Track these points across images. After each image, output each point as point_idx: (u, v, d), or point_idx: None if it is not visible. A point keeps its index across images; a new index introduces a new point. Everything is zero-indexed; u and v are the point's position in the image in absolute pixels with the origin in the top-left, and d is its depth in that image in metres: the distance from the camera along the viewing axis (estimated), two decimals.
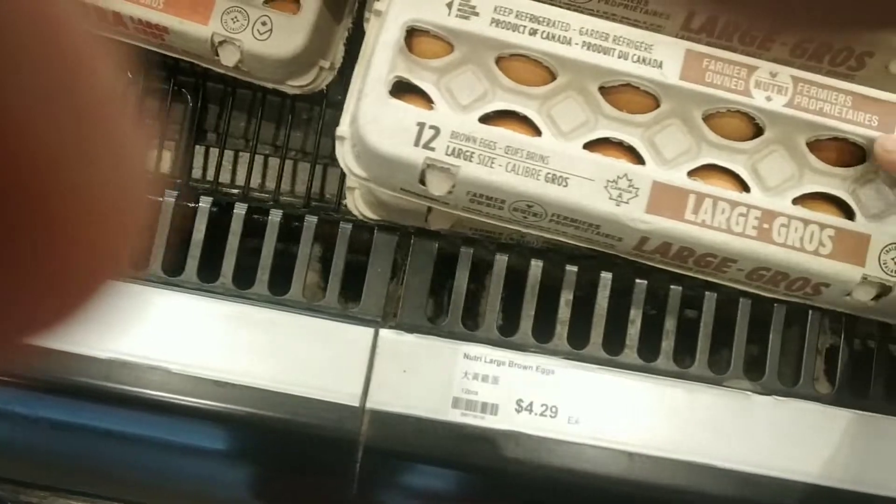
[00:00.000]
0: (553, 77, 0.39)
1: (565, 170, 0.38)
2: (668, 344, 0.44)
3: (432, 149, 0.37)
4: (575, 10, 0.41)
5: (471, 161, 0.37)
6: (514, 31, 0.38)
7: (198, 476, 0.42)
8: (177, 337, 0.40)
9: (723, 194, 0.38)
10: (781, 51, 0.42)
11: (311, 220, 0.44)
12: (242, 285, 0.43)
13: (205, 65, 0.45)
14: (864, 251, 0.38)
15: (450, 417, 0.41)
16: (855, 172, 0.40)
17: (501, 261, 0.44)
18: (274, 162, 0.48)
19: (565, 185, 0.38)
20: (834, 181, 0.40)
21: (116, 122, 0.14)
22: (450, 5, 0.38)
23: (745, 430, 0.42)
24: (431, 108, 0.39)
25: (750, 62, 0.39)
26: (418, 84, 0.39)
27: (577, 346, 0.43)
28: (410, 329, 0.42)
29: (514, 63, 0.39)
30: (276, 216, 0.43)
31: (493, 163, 0.37)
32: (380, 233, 0.44)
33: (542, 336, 0.43)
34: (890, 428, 0.42)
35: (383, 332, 0.42)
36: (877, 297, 0.38)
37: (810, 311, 0.42)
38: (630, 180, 0.38)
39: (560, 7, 0.41)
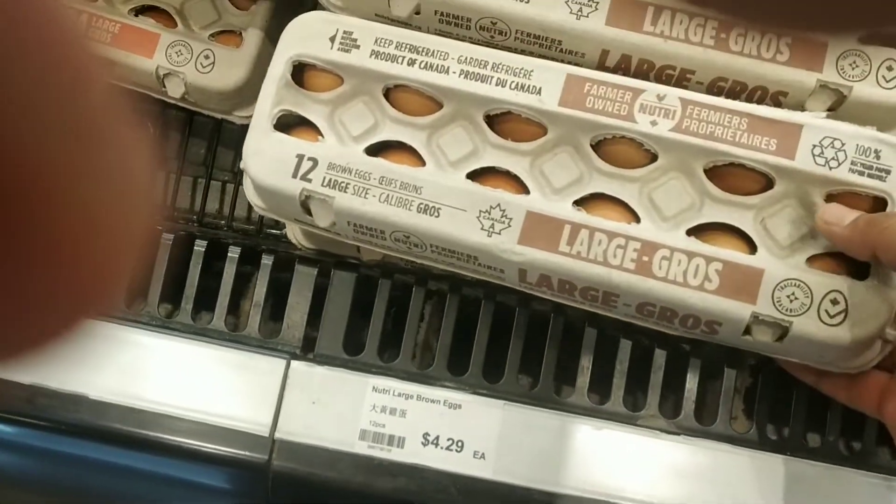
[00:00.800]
0: (439, 107, 0.39)
1: (438, 200, 0.37)
2: (583, 380, 0.42)
3: (309, 180, 0.38)
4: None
5: (346, 192, 0.38)
6: (393, 62, 0.38)
7: (112, 498, 0.44)
8: (96, 365, 0.43)
9: (601, 225, 0.36)
10: (697, 89, 0.40)
11: (234, 251, 0.45)
12: (170, 314, 0.45)
13: (156, 96, 0.47)
14: (755, 287, 0.34)
15: (356, 449, 0.41)
16: (761, 201, 0.36)
17: (419, 293, 0.44)
18: (231, 188, 0.50)
19: (437, 216, 0.37)
20: (737, 211, 0.36)
21: (117, 141, 0.14)
22: (333, 39, 0.39)
23: (648, 470, 0.40)
24: (318, 140, 0.39)
25: (636, 85, 0.37)
26: (308, 117, 0.40)
27: (491, 380, 0.42)
28: (325, 360, 0.43)
29: (400, 94, 0.39)
30: (200, 246, 0.45)
31: (367, 193, 0.38)
32: (300, 264, 0.45)
33: (458, 369, 0.43)
34: (797, 469, 0.39)
35: (294, 364, 0.43)
36: (780, 338, 0.35)
37: (727, 349, 0.39)
38: (503, 210, 0.37)
39: (476, 44, 0.41)
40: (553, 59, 0.41)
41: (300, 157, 0.38)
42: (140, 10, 0.46)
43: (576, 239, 0.36)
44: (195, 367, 0.43)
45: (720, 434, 0.40)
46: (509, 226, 0.36)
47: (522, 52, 0.41)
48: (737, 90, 0.39)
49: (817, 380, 0.38)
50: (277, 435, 0.41)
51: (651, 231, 0.36)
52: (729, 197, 0.36)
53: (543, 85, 0.37)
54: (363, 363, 0.43)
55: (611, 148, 0.38)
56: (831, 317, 0.34)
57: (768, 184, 0.36)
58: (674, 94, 0.36)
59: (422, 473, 0.41)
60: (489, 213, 0.37)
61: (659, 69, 0.39)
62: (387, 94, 0.39)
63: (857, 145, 0.35)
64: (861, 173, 0.35)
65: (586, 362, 0.42)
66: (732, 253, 0.35)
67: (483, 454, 0.40)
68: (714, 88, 0.39)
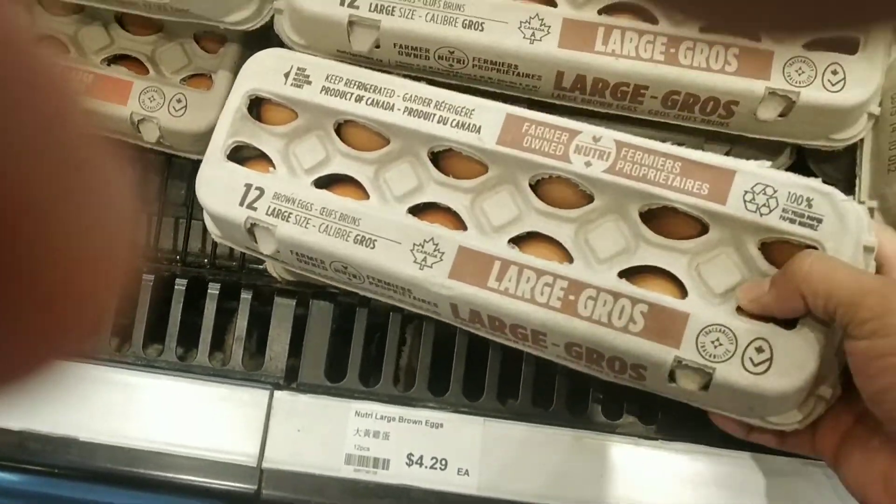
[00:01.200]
0: (387, 142, 0.40)
1: (375, 232, 0.38)
2: (561, 393, 0.43)
3: (255, 208, 0.39)
4: (451, 76, 0.42)
5: (288, 221, 0.38)
6: (341, 98, 0.40)
7: None
8: (85, 407, 0.43)
9: (530, 262, 0.36)
10: (653, 103, 0.40)
11: (214, 288, 0.46)
12: (156, 353, 0.46)
13: (132, 141, 0.49)
14: (680, 331, 0.34)
15: (343, 474, 0.42)
16: (696, 246, 0.36)
17: (395, 320, 0.44)
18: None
19: (373, 247, 0.37)
20: (671, 255, 0.36)
21: (98, 181, 0.14)
22: (287, 75, 0.40)
23: (630, 477, 0.40)
24: (270, 171, 0.40)
25: (573, 126, 0.37)
26: (263, 149, 0.41)
27: (471, 398, 0.43)
28: (308, 389, 0.43)
29: (350, 129, 0.40)
30: (180, 285, 0.46)
31: (307, 223, 0.38)
32: (279, 297, 0.46)
33: (438, 390, 0.43)
34: (779, 467, 0.39)
35: (278, 394, 0.43)
36: (705, 386, 0.34)
37: None
38: (436, 245, 0.37)
39: (436, 73, 0.42)
40: (511, 83, 0.41)
41: (248, 187, 0.39)
42: (112, 60, 0.48)
43: (504, 275, 0.36)
44: (182, 404, 0.43)
45: (699, 437, 0.40)
46: (441, 260, 0.37)
47: (482, 78, 0.42)
48: (690, 102, 0.39)
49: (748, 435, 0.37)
50: (265, 464, 0.42)
51: (580, 270, 0.36)
52: (663, 241, 0.36)
53: (483, 124, 0.38)
54: (345, 389, 0.44)
55: (549, 187, 0.38)
56: (755, 365, 0.33)
57: (704, 229, 0.36)
58: (609, 136, 0.36)
59: (408, 493, 0.41)
60: (423, 247, 0.37)
61: (614, 87, 0.40)
62: (338, 129, 0.40)
63: (790, 193, 0.34)
64: (792, 221, 0.34)
65: (563, 375, 0.42)
66: (659, 296, 0.35)
67: (467, 471, 0.41)
68: (668, 102, 0.39)
